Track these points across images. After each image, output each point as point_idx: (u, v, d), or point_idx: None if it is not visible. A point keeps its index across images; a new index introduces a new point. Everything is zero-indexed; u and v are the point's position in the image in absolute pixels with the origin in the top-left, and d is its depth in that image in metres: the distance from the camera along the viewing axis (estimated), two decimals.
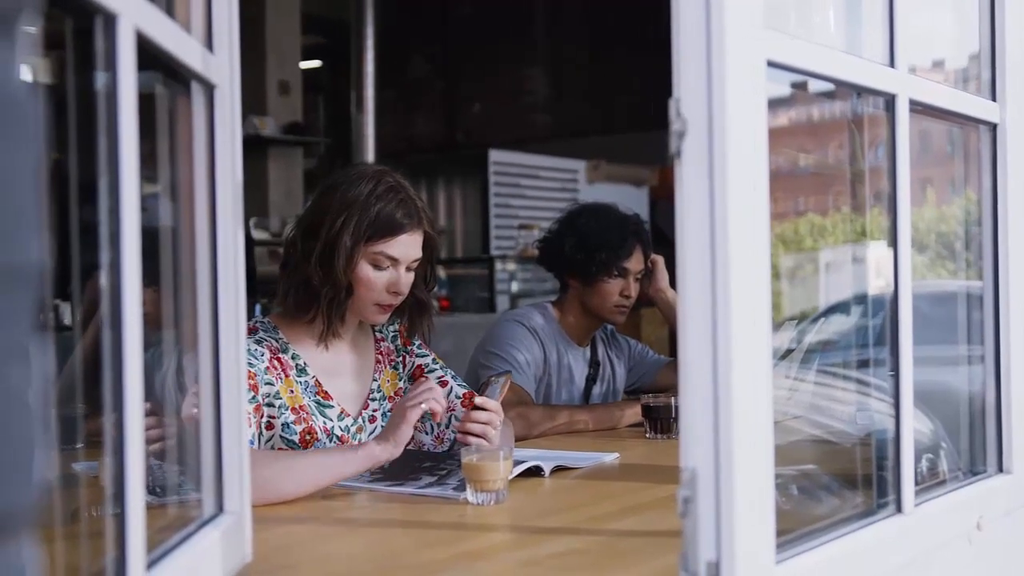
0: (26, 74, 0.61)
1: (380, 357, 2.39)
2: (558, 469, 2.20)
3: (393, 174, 2.29)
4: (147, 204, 1.12)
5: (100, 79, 1.03)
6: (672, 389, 2.94)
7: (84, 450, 1.71)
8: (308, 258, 2.19)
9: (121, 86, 1.02)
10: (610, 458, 2.36)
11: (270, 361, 2.16)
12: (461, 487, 1.93)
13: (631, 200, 7.45)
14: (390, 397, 2.37)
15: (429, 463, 2.14)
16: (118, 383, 1.02)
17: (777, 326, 1.30)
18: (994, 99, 1.82)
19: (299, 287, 2.22)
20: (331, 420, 2.24)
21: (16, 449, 0.59)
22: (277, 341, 2.24)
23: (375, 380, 2.36)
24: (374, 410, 2.35)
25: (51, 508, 1.18)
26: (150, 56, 1.13)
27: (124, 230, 1.02)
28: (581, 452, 2.37)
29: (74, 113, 1.07)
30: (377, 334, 2.42)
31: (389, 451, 1.99)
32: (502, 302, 7.40)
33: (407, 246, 2.22)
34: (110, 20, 1.01)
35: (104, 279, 1.02)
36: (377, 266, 2.20)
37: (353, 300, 2.23)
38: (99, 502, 1.45)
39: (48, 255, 0.64)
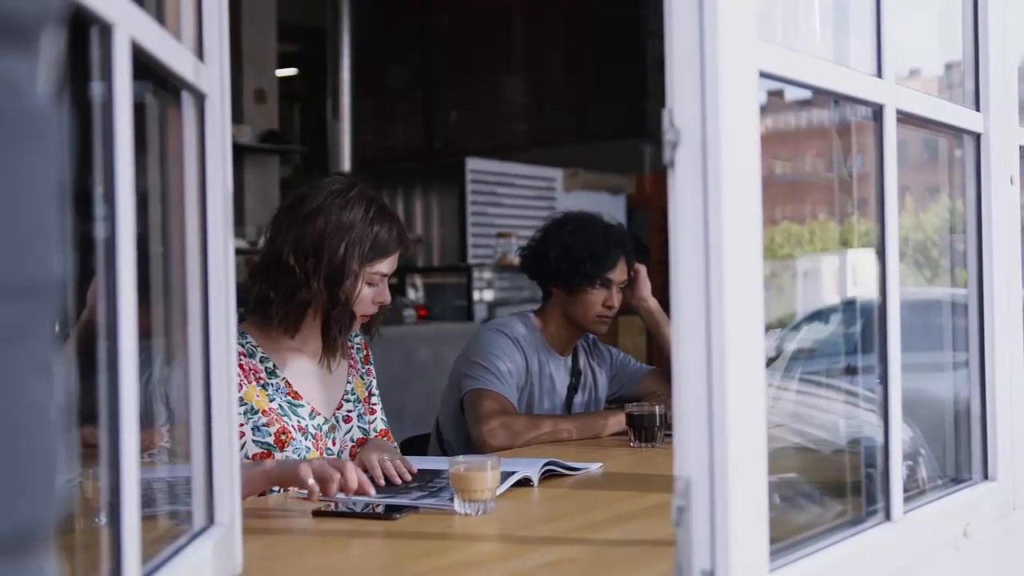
0: (47, 88, 0.61)
1: (353, 362, 2.47)
2: (547, 475, 2.20)
3: (371, 191, 2.36)
4: (136, 213, 1.11)
5: (95, 88, 1.02)
6: (654, 397, 2.95)
7: (71, 462, 1.69)
8: (308, 281, 2.23)
9: (117, 96, 1.01)
10: (595, 467, 2.36)
11: None
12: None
13: (608, 208, 7.44)
14: (364, 400, 2.45)
15: (418, 482, 2.13)
16: (113, 394, 1.01)
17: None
18: (978, 109, 1.83)
19: (300, 308, 2.27)
20: (303, 419, 2.28)
21: (40, 464, 0.59)
22: (243, 345, 2.27)
23: (349, 382, 2.43)
24: (348, 411, 2.41)
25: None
26: (142, 65, 1.12)
27: (120, 239, 1.02)
28: (566, 461, 2.37)
29: (67, 122, 1.06)
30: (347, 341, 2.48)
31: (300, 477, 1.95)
32: (480, 311, 7.39)
33: (395, 261, 2.35)
34: (106, 30, 1.00)
35: (100, 288, 1.02)
36: (370, 283, 2.30)
37: None
38: (85, 514, 1.44)
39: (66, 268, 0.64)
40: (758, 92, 1.26)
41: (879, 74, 1.53)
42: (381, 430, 2.50)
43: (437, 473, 2.20)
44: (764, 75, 1.25)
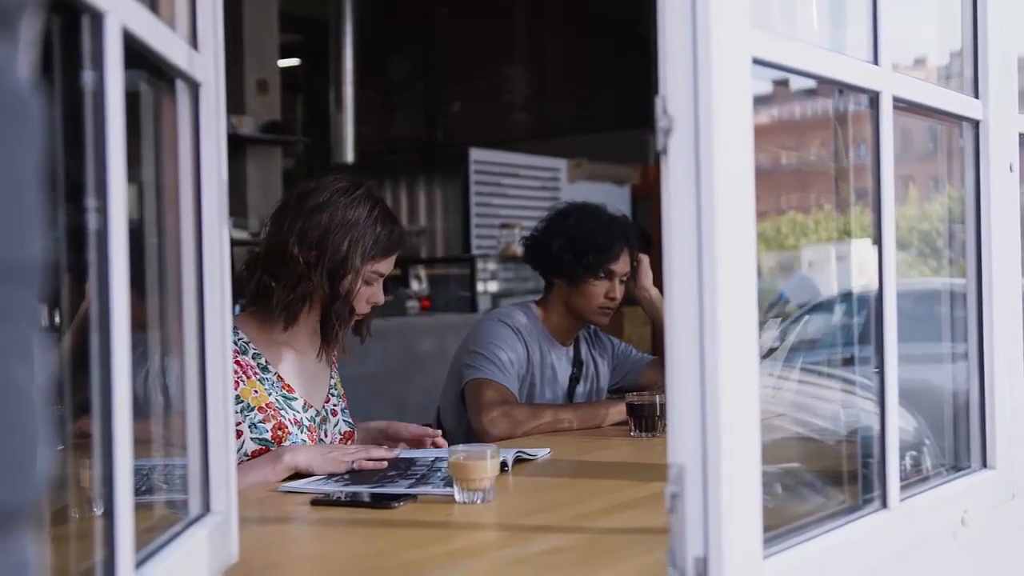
0: (27, 72, 0.62)
1: (334, 359, 2.51)
2: (518, 461, 2.25)
3: (376, 191, 2.39)
4: (130, 203, 1.11)
5: (87, 77, 1.02)
6: (656, 387, 2.95)
7: (67, 452, 1.70)
8: (309, 274, 2.25)
9: (108, 84, 1.01)
10: (542, 453, 2.39)
11: None
12: (448, 483, 1.93)
13: (612, 199, 7.44)
14: (342, 395, 2.50)
15: (394, 472, 2.14)
16: (106, 383, 1.01)
17: (760, 324, 1.30)
18: (977, 96, 1.83)
19: (300, 300, 2.29)
20: (298, 412, 2.32)
21: (21, 444, 0.59)
22: (236, 343, 2.28)
23: (332, 377, 2.48)
24: (334, 405, 2.46)
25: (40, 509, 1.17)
26: (135, 54, 1.12)
27: (112, 229, 1.02)
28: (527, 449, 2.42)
29: (59, 111, 1.06)
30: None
31: (302, 463, 2.13)
32: (483, 302, 7.39)
33: (392, 262, 2.38)
34: (97, 18, 1.00)
35: (91, 279, 1.02)
36: (367, 282, 2.34)
37: None
38: (81, 503, 1.44)
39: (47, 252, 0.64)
40: (753, 80, 1.26)
41: (875, 61, 1.53)
42: (345, 432, 2.50)
43: (412, 461, 2.21)
44: (757, 62, 1.25)
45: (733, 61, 1.19)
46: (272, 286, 2.28)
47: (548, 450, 2.43)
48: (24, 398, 0.59)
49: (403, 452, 2.30)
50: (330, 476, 2.10)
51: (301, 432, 2.29)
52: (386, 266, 2.36)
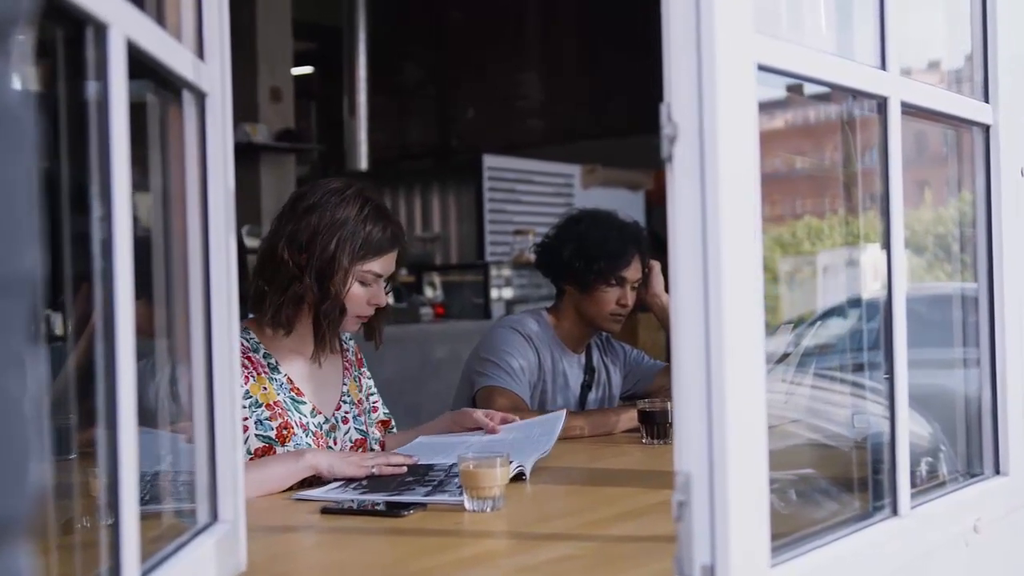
0: (20, 83, 0.62)
1: (347, 365, 2.50)
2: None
3: (369, 192, 2.38)
4: (137, 213, 1.12)
5: (91, 88, 1.03)
6: (668, 393, 2.94)
7: (77, 461, 1.70)
8: (300, 275, 2.25)
9: (112, 95, 1.02)
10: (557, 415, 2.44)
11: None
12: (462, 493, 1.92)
13: (627, 204, 7.45)
14: (357, 403, 2.47)
15: (411, 477, 2.14)
16: (112, 393, 1.02)
17: (774, 329, 1.30)
18: (987, 100, 1.82)
19: (292, 303, 2.28)
20: (305, 416, 2.32)
21: (13, 457, 0.59)
22: (248, 341, 2.31)
23: (345, 384, 2.46)
24: (346, 412, 2.44)
25: (45, 518, 1.18)
26: (141, 65, 1.13)
27: (116, 239, 1.02)
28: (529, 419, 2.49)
29: (64, 122, 1.07)
30: (342, 343, 2.50)
31: (323, 465, 2.12)
32: (497, 308, 7.39)
33: (390, 262, 2.36)
34: (101, 30, 1.01)
35: (97, 288, 1.02)
36: (363, 283, 2.32)
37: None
38: (91, 511, 1.45)
39: (42, 264, 0.64)
40: (765, 86, 1.26)
41: (883, 66, 1.52)
42: (383, 420, 2.56)
43: (430, 467, 2.21)
44: (763, 68, 1.25)
45: (737, 67, 1.19)
46: (265, 290, 2.29)
47: (563, 411, 2.48)
48: (15, 410, 0.59)
49: (421, 458, 2.30)
50: (348, 483, 2.10)
51: (306, 436, 2.29)
52: (380, 266, 2.33)
